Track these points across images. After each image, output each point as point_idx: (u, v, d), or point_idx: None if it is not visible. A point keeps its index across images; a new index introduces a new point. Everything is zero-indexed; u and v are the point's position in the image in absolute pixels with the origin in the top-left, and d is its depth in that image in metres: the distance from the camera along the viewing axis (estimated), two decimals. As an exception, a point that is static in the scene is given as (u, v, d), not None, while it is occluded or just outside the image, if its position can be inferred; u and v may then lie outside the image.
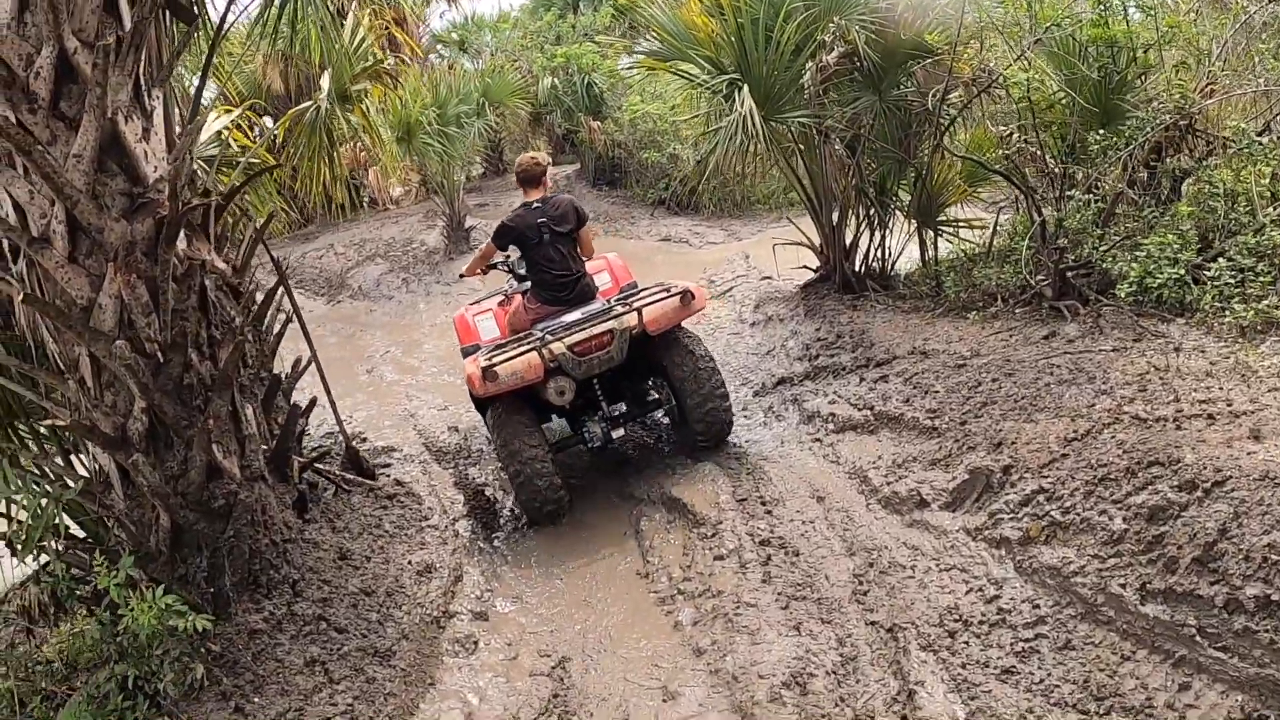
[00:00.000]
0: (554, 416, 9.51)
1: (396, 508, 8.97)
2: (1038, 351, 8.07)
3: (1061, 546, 5.91)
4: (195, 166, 7.82)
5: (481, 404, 9.16)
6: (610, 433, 8.92)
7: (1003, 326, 9.04)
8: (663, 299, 8.50)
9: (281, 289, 8.57)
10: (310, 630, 6.68)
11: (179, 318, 6.37)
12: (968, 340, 9.00)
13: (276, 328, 8.69)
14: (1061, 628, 5.58)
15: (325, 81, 10.64)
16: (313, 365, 9.13)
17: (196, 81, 7.68)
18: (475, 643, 7.17)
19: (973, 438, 7.30)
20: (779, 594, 6.75)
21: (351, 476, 8.97)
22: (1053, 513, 6.12)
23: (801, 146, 11.91)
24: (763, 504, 8.02)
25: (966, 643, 5.81)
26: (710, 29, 10.74)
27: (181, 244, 6.52)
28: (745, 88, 10.28)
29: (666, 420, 10.14)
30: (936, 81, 10.66)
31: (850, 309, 11.42)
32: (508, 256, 9.51)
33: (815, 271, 12.77)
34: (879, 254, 12.06)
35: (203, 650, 6.09)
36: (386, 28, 19.75)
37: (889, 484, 7.65)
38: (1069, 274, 8.92)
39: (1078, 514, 5.95)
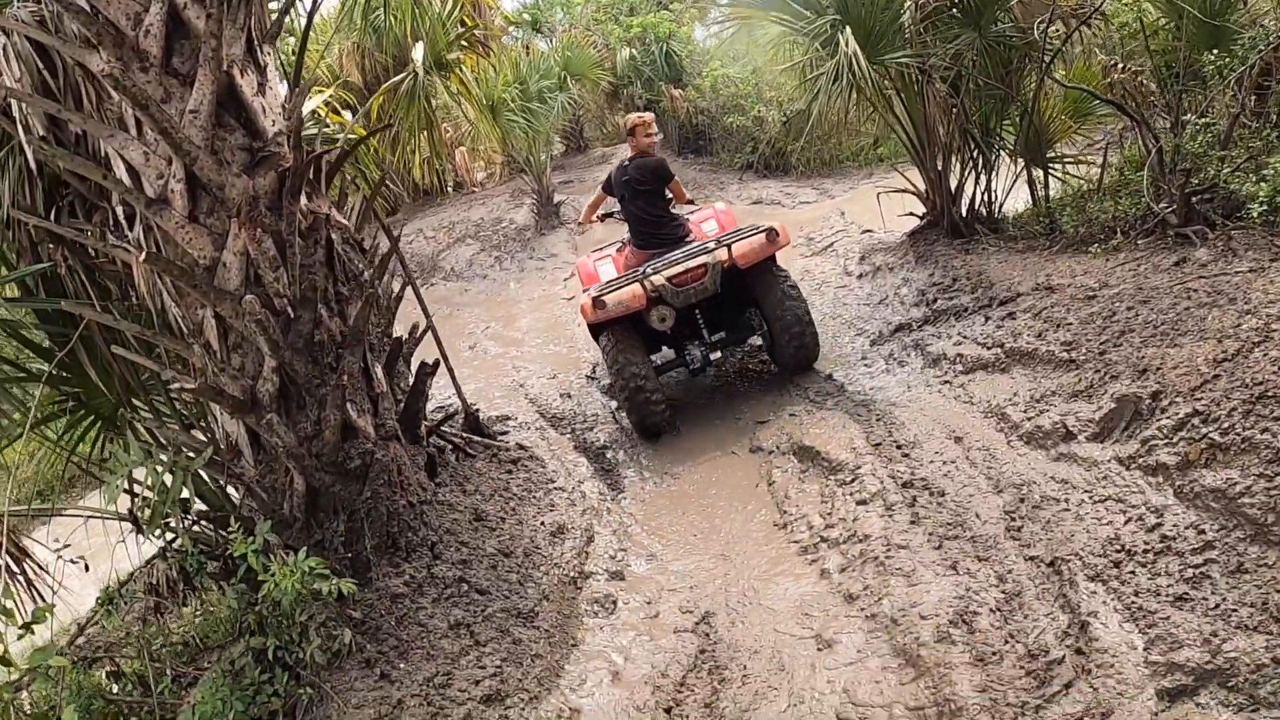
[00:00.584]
0: (663, 347, 10.49)
1: (521, 471, 8.79)
2: (1170, 278, 7.70)
3: (1224, 468, 5.57)
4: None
5: (597, 333, 9.99)
6: (709, 355, 9.82)
7: (1128, 257, 8.65)
8: (750, 236, 9.41)
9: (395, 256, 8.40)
10: (452, 593, 6.46)
11: (307, 273, 6.19)
12: (1093, 273, 8.63)
13: (395, 290, 8.50)
14: (1231, 551, 5.24)
15: (418, 52, 10.50)
16: (431, 338, 8.96)
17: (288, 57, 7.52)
18: (614, 602, 6.99)
19: (1114, 367, 6.95)
20: (930, 534, 6.46)
21: (477, 439, 8.77)
22: (1211, 435, 5.77)
23: (900, 89, 11.57)
24: (899, 448, 7.74)
25: (1133, 572, 5.49)
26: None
27: (304, 200, 6.33)
28: (848, 29, 9.96)
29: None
30: (1035, 15, 10.33)
31: (963, 253, 11.06)
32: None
33: (921, 219, 12.40)
34: (985, 196, 11.66)
35: (344, 616, 5.89)
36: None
37: (1029, 419, 7.32)
38: (1194, 199, 8.54)
39: (1238, 434, 5.60)
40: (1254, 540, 5.19)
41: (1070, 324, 7.81)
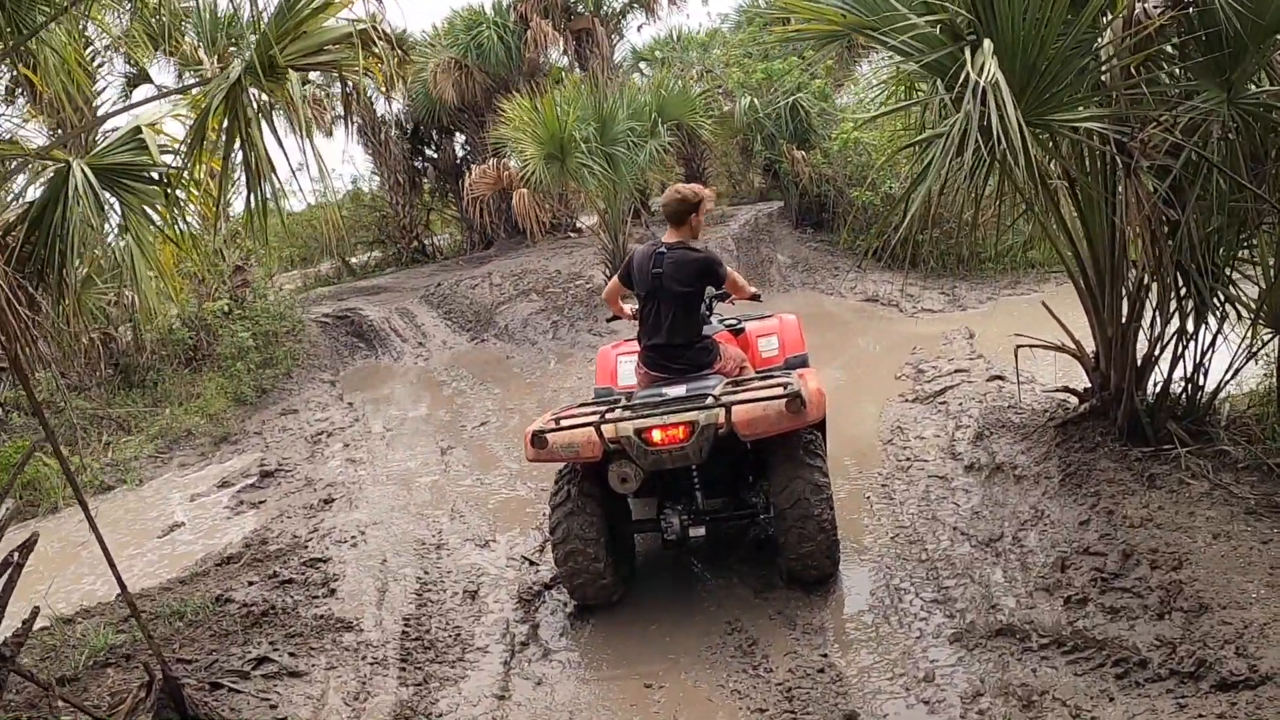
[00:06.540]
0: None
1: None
2: None
3: None
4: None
5: None
6: (689, 529, 6.60)
7: None
8: (764, 399, 6.05)
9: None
10: None
11: None
12: None
13: None
14: None
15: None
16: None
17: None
18: None
19: None
20: None
21: None
22: None
23: (1073, 179, 6.33)
24: None
25: None
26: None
27: None
28: (987, 44, 4.79)
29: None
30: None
31: (1144, 484, 5.69)
32: None
33: (1080, 399, 7.03)
34: (1193, 378, 6.32)
35: None
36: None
37: None
38: None
39: None
40: None
41: None
